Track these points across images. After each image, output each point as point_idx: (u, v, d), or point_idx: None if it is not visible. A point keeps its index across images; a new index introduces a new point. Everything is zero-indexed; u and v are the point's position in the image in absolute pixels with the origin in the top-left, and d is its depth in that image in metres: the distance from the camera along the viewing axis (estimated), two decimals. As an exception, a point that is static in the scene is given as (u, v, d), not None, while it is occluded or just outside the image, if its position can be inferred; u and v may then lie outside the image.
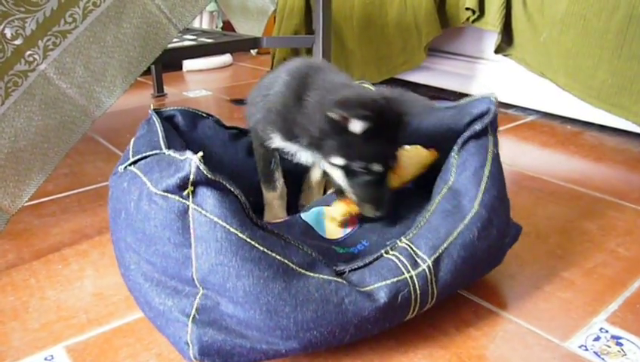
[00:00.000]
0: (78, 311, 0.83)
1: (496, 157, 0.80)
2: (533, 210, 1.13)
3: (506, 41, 1.58)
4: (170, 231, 0.63)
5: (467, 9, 1.58)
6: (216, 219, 0.61)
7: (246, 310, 0.61)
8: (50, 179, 1.33)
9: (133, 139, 0.86)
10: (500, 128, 1.67)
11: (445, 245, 0.71)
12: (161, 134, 0.82)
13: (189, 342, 0.63)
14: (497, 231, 0.77)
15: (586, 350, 0.73)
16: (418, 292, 0.69)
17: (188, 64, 2.61)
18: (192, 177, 0.61)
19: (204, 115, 1.01)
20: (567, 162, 1.41)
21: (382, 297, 0.66)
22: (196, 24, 2.68)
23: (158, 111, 0.93)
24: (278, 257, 0.62)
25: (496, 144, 0.82)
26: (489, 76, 1.78)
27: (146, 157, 0.73)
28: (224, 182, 0.62)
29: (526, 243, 1.00)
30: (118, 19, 0.95)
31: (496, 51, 1.60)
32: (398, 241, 0.73)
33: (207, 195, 0.62)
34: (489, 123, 0.80)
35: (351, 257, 0.82)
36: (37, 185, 0.96)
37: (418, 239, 0.72)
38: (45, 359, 0.73)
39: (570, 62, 1.43)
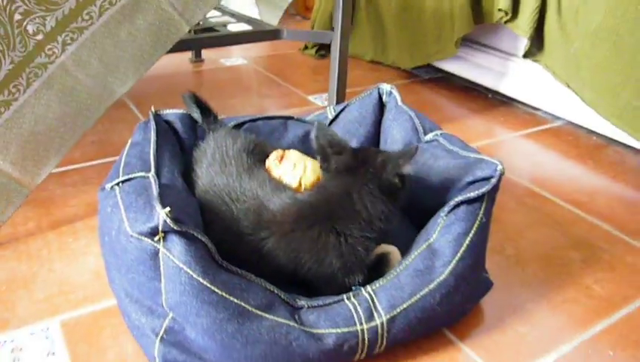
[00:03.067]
0: (77, 287, 0.94)
1: (484, 226, 0.83)
2: (524, 232, 1.14)
3: (536, 46, 1.54)
4: (144, 266, 0.71)
5: (500, 10, 1.54)
6: (181, 265, 0.68)
7: (205, 340, 0.69)
8: (78, 147, 1.44)
9: (128, 144, 0.94)
10: (525, 131, 1.65)
11: (405, 306, 0.76)
12: (152, 146, 0.89)
13: (156, 356, 0.73)
14: (461, 297, 0.81)
15: (523, 389, 0.77)
16: (366, 343, 0.74)
17: (231, 27, 2.64)
18: (160, 228, 0.69)
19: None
20: (579, 179, 1.39)
21: (329, 343, 0.72)
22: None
23: (157, 115, 0.99)
24: (235, 300, 0.69)
25: (487, 211, 0.84)
26: (522, 75, 1.74)
27: (131, 178, 0.81)
28: (192, 232, 0.70)
29: (504, 268, 1.03)
30: (131, 16, 1.01)
31: (525, 55, 1.56)
32: (362, 289, 0.78)
33: (175, 242, 0.69)
34: (485, 192, 0.82)
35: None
36: (54, 164, 1.06)
37: (382, 292, 0.77)
38: (42, 330, 0.84)
39: (597, 78, 1.38)
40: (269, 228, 0.82)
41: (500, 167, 0.82)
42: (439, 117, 1.74)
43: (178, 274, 0.68)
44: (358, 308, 0.75)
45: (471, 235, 0.80)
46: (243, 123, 1.11)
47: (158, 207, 0.68)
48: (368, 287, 0.78)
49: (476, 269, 0.84)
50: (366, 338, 0.74)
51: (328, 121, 1.16)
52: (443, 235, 0.81)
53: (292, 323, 0.71)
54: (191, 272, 0.68)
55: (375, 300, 0.76)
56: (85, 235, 1.08)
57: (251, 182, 0.89)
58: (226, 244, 0.86)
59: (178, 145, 1.01)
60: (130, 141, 0.96)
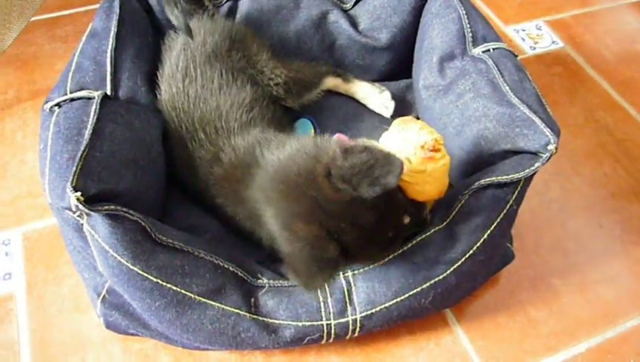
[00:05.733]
0: (46, 188, 0.85)
1: (511, 213, 0.63)
2: (581, 165, 0.92)
3: None
4: (72, 234, 0.60)
5: None
6: (107, 247, 0.56)
7: (145, 316, 0.61)
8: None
9: (86, 33, 0.75)
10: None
11: (387, 305, 0.62)
12: (111, 42, 0.70)
13: (99, 314, 0.65)
14: (462, 293, 0.67)
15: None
16: (332, 336, 0.63)
17: None
18: (76, 210, 0.54)
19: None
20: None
21: (285, 336, 0.61)
22: None
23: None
24: (173, 288, 0.58)
25: (520, 196, 0.63)
26: None
27: (73, 99, 0.65)
28: (118, 212, 0.55)
29: (539, 220, 0.84)
30: None
31: None
32: (341, 273, 0.64)
33: (99, 222, 0.56)
34: (523, 178, 0.60)
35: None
36: (19, 29, 0.91)
37: (363, 282, 0.62)
38: (3, 243, 0.79)
39: None
40: (218, 184, 0.68)
41: (551, 146, 0.59)
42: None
43: (105, 257, 0.57)
44: (329, 299, 0.62)
45: (492, 228, 0.62)
46: (241, -4, 0.87)
47: (69, 188, 0.53)
48: (348, 271, 0.64)
49: (489, 261, 0.67)
50: (332, 333, 0.63)
51: (353, 1, 0.89)
52: (456, 224, 0.63)
53: (242, 312, 0.60)
54: (118, 257, 0.56)
55: (352, 291, 0.63)
56: (66, 116, 0.96)
57: (215, 111, 0.70)
58: (184, 177, 0.73)
59: (150, 32, 0.81)
60: (89, 27, 0.77)
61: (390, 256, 0.63)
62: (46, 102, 0.69)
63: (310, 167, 0.55)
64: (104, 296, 0.65)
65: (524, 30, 1.16)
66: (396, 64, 0.90)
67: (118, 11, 0.74)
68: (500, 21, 1.19)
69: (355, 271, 0.64)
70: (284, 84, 0.78)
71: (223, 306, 0.60)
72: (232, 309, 0.60)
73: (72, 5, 1.18)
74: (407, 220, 0.59)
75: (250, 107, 0.72)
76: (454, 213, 0.63)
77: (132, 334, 0.66)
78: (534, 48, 1.12)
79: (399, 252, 0.63)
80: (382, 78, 0.92)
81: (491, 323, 0.73)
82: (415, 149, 0.59)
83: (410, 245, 0.63)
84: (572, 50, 1.13)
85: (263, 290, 0.63)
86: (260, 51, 0.80)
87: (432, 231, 0.63)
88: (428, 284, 0.62)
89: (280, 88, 0.78)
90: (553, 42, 1.14)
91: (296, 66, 0.81)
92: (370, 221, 0.54)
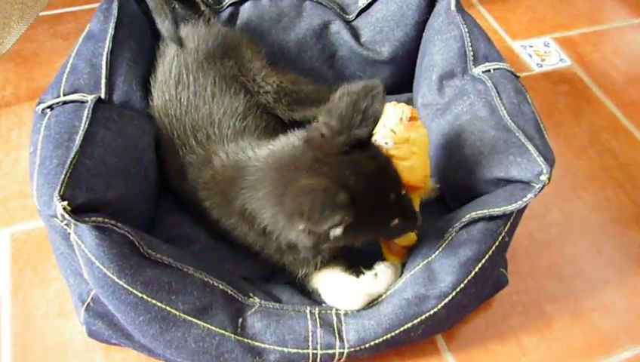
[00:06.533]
0: (38, 189, 0.85)
1: (503, 245, 0.62)
2: (583, 189, 0.90)
3: None
4: (60, 241, 0.59)
5: None
6: (94, 259, 0.55)
7: (129, 329, 0.60)
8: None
9: (83, 34, 0.74)
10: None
11: (377, 341, 0.60)
12: (107, 45, 0.69)
13: (82, 322, 0.64)
14: (453, 321, 0.65)
15: None
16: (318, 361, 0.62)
17: None
18: (60, 219, 0.53)
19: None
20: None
21: (269, 360, 0.60)
22: None
23: (125, -9, 0.76)
24: (158, 304, 0.57)
25: (513, 228, 0.62)
26: None
27: (66, 102, 0.64)
28: (105, 224, 0.54)
29: (537, 243, 0.82)
30: None
31: None
32: (332, 309, 0.63)
33: (86, 233, 0.55)
34: (516, 210, 0.59)
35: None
36: (19, 33, 0.90)
37: (353, 319, 0.62)
38: (-9, 242, 0.78)
39: None
40: (205, 187, 0.66)
41: (544, 176, 0.58)
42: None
43: (91, 267, 0.56)
44: (318, 330, 0.61)
45: (483, 261, 0.60)
46: (242, 1, 0.86)
47: (56, 197, 0.52)
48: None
49: (481, 294, 0.66)
50: (318, 360, 0.61)
51: (357, 10, 0.87)
52: (447, 256, 0.61)
53: (228, 333, 0.59)
54: (104, 269, 0.55)
55: (342, 328, 0.61)
56: (63, 115, 0.95)
57: (207, 118, 0.69)
58: (174, 183, 0.72)
59: (148, 36, 0.80)
60: (86, 29, 0.76)
61: (382, 297, 0.63)
62: (39, 103, 0.68)
63: (304, 136, 0.56)
64: (89, 304, 0.64)
65: (531, 46, 1.15)
66: (398, 78, 0.89)
67: (116, 13, 0.73)
68: (507, 36, 1.17)
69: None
70: (274, 93, 0.76)
71: (208, 325, 0.59)
72: (218, 329, 0.59)
73: (76, 2, 1.17)
74: (404, 191, 0.58)
75: (244, 116, 0.70)
76: (444, 245, 0.61)
77: (114, 344, 0.65)
78: (541, 65, 1.11)
79: (392, 290, 0.62)
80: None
81: (482, 348, 0.71)
82: (395, 123, 0.67)
83: (401, 281, 0.62)
84: (579, 69, 1.11)
85: (253, 309, 0.62)
86: (254, 58, 0.78)
87: (422, 263, 0.62)
88: (418, 320, 0.61)
89: (269, 97, 0.76)
90: (561, 60, 1.12)
91: (293, 78, 0.79)
92: (373, 169, 0.54)
